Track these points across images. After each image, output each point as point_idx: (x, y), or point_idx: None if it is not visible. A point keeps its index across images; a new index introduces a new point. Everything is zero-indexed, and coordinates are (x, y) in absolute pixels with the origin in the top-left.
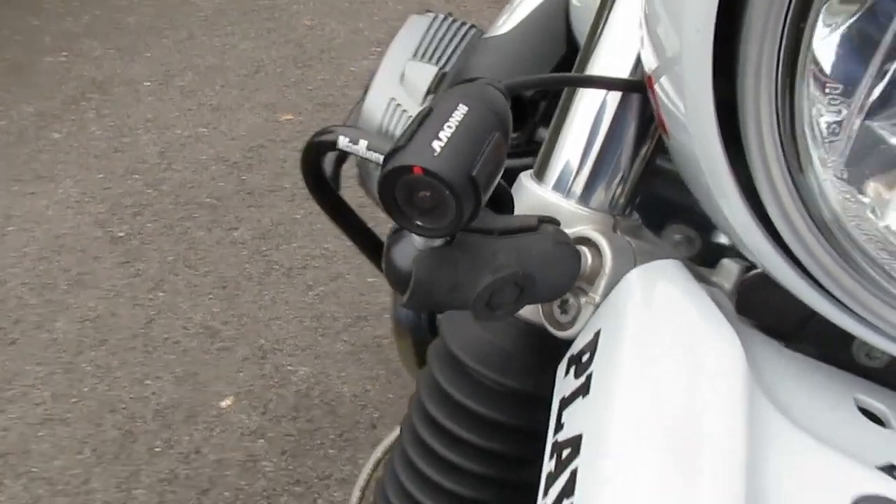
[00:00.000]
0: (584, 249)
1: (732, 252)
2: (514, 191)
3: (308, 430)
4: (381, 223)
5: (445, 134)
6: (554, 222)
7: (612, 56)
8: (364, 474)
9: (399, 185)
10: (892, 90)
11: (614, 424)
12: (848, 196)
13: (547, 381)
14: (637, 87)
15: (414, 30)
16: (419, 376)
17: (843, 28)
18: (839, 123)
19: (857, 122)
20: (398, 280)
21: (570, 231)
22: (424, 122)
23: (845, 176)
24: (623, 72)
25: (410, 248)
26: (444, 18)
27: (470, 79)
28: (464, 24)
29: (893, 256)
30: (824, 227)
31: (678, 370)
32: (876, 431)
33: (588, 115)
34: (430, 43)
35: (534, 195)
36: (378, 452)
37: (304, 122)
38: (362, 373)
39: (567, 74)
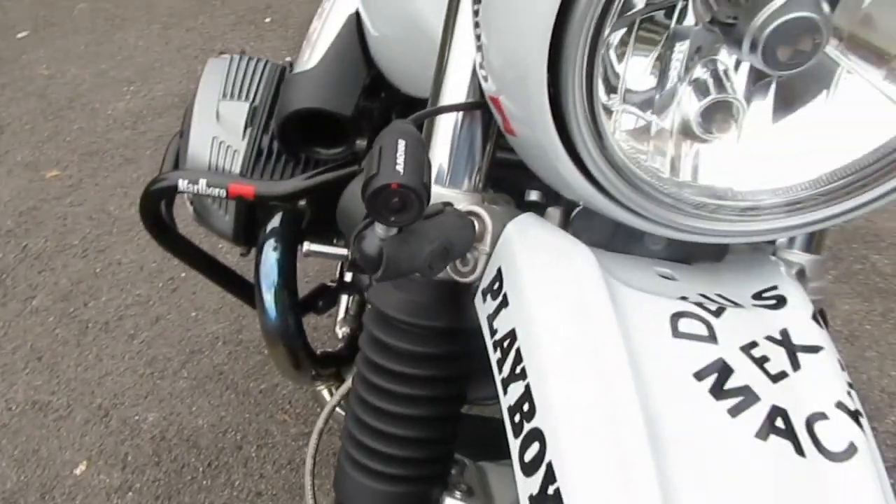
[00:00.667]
0: (472, 219)
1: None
2: None
3: (175, 469)
4: (220, 252)
5: (401, 159)
6: (450, 205)
7: (458, 80)
8: (318, 426)
9: (381, 197)
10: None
11: (536, 312)
12: (631, 150)
13: (456, 317)
14: (481, 106)
15: (216, 72)
16: (361, 341)
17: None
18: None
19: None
20: (371, 263)
21: (460, 208)
22: (382, 154)
23: (629, 142)
24: (465, 94)
25: (375, 239)
26: (241, 58)
27: (401, 119)
28: (260, 60)
29: (658, 182)
30: (620, 170)
31: (562, 273)
32: (670, 284)
33: (448, 128)
34: (235, 82)
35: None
36: (324, 415)
37: (74, 175)
38: (213, 402)
39: (445, 106)
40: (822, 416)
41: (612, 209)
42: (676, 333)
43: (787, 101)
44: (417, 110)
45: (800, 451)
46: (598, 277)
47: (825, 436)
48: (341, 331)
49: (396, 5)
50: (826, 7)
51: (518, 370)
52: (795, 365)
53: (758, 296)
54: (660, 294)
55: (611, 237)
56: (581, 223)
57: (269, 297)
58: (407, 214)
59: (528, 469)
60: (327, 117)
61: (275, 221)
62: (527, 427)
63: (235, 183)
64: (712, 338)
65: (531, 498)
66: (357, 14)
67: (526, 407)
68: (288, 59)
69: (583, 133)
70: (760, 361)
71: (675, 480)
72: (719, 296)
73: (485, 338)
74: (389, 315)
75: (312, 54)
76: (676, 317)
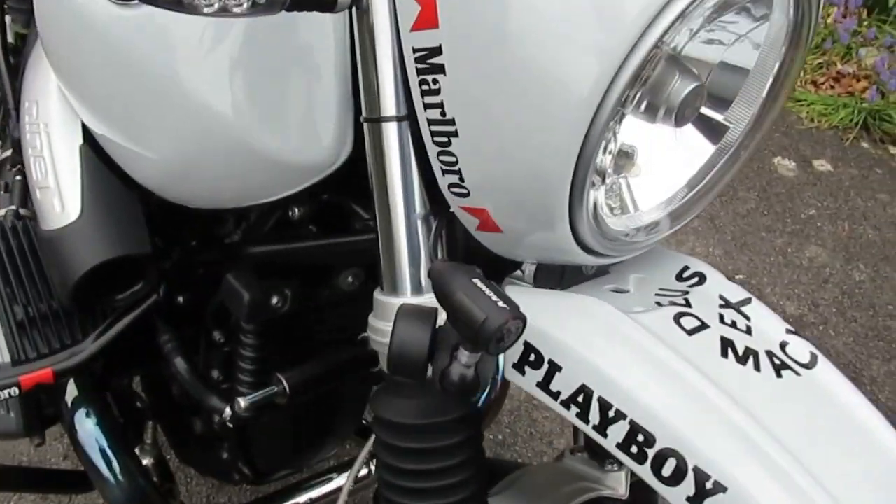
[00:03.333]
0: None
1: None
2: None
3: None
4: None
5: (492, 295)
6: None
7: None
8: None
9: (499, 333)
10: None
11: (598, 361)
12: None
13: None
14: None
15: None
16: (381, 455)
17: None
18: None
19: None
20: (471, 387)
21: None
22: (472, 298)
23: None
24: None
25: (461, 368)
26: None
27: (448, 262)
28: None
29: (622, 228)
30: (602, 228)
31: (591, 323)
32: (631, 297)
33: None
34: None
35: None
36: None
37: None
38: None
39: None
40: (786, 342)
41: (583, 258)
42: (689, 333)
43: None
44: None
45: (797, 372)
46: (618, 313)
47: (796, 354)
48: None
49: (175, 117)
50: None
51: (611, 414)
52: (746, 317)
53: (680, 278)
54: (647, 309)
55: (560, 278)
56: (542, 276)
57: (108, 471)
58: (512, 339)
59: (672, 481)
60: (123, 262)
61: (71, 389)
62: (652, 451)
63: (27, 374)
64: (704, 324)
65: (689, 499)
66: (89, 144)
67: (640, 437)
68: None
69: (586, 217)
70: (732, 325)
71: (774, 430)
72: (662, 290)
73: (542, 400)
74: (410, 423)
75: (66, 203)
76: (677, 320)
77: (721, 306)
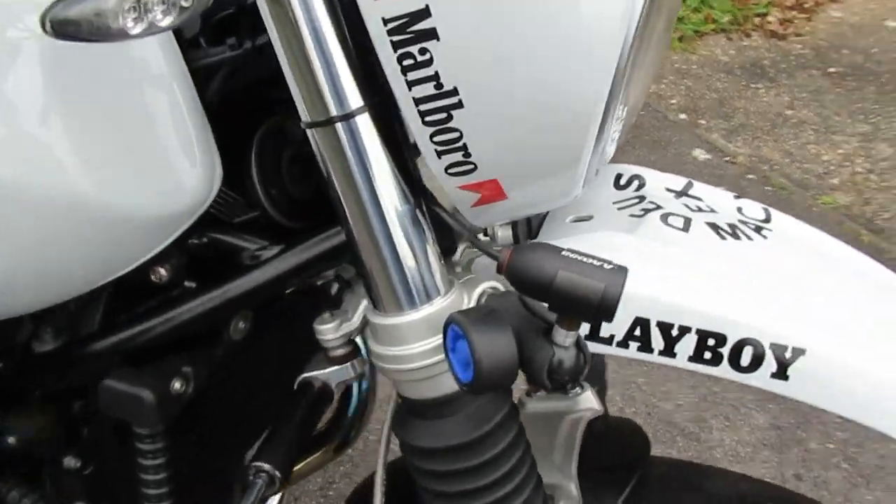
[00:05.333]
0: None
1: None
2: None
3: None
4: None
5: (589, 261)
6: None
7: None
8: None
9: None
10: None
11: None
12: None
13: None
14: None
15: None
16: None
17: None
18: None
19: None
20: (580, 368)
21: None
22: (578, 272)
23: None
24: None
25: (562, 351)
26: None
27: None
28: None
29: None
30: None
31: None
32: (595, 220)
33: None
34: None
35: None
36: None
37: None
38: None
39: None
40: (741, 207)
41: (575, 196)
42: (685, 230)
43: None
44: None
45: (768, 229)
46: (631, 238)
47: (754, 213)
48: None
49: None
50: None
51: (675, 332)
52: (699, 198)
53: (620, 186)
54: (637, 224)
55: (531, 227)
56: (521, 231)
57: None
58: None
59: (753, 367)
60: None
61: None
62: (726, 350)
63: None
64: (686, 218)
65: (774, 375)
66: None
67: (711, 342)
68: None
69: (601, 149)
70: (699, 210)
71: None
72: (618, 202)
73: (595, 350)
74: (443, 446)
75: None
76: (666, 222)
77: (676, 197)
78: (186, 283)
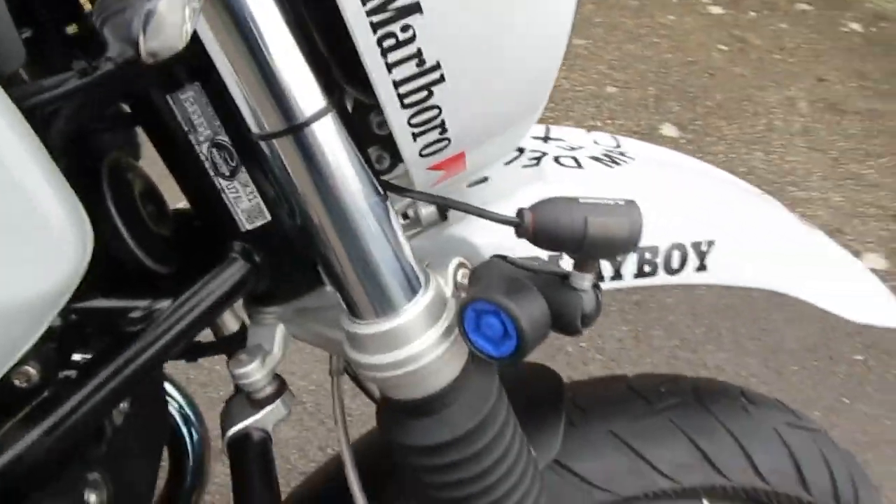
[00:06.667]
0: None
1: None
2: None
3: None
4: None
5: (605, 202)
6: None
7: None
8: None
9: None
10: None
11: None
12: None
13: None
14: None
15: None
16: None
17: None
18: None
19: None
20: (597, 311)
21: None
22: (601, 214)
23: None
24: None
25: (582, 296)
26: None
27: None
28: None
29: None
30: None
31: None
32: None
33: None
34: None
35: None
36: None
37: None
38: None
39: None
40: (595, 140)
41: None
42: (580, 166)
43: None
44: None
45: (628, 154)
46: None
47: (605, 142)
48: None
49: None
50: None
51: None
52: (562, 139)
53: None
54: (540, 171)
55: None
56: None
57: None
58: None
59: (680, 267)
60: None
61: None
62: (660, 259)
63: None
64: (574, 157)
65: (697, 269)
66: None
67: (647, 255)
68: None
69: None
70: (569, 148)
71: (686, 190)
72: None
73: None
74: (441, 443)
75: None
76: (560, 163)
77: (544, 142)
78: (62, 374)
